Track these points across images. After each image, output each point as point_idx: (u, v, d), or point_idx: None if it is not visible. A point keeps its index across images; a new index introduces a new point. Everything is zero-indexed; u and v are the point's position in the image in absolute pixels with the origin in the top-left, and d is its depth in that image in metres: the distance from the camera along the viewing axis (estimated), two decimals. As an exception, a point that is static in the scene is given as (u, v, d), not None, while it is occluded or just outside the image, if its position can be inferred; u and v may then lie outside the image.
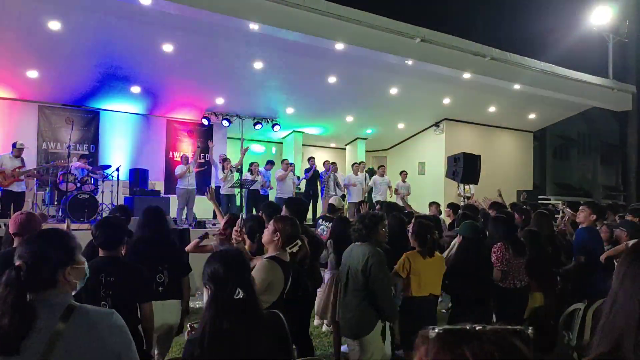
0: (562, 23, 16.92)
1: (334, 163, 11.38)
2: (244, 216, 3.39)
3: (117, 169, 9.74)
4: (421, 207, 9.34)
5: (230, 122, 12.31)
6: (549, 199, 14.46)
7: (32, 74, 9.33)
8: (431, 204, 7.57)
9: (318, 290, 4.18)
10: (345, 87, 11.23)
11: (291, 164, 11.12)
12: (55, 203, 8.92)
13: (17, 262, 1.48)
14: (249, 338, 1.75)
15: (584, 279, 4.18)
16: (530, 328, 0.67)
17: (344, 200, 9.26)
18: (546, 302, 4.35)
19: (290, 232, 2.90)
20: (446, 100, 12.76)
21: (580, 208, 4.95)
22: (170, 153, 12.42)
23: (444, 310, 5.85)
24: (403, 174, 12.10)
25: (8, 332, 1.38)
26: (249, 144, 12.83)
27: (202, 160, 12.05)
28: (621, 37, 14.72)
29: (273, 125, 12.86)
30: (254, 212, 9.32)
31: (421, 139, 15.18)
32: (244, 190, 9.64)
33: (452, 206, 6.86)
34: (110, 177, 9.80)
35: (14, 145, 8.14)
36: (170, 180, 11.74)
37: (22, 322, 1.41)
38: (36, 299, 1.47)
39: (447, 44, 10.09)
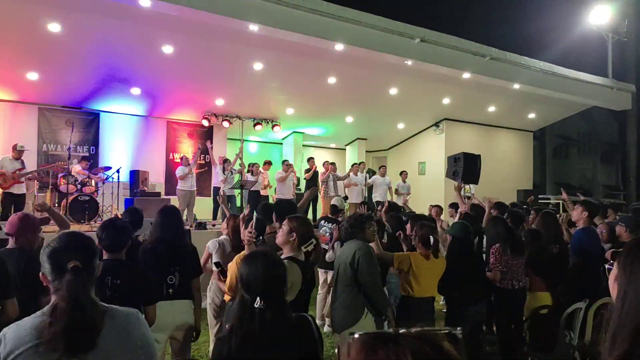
0: (561, 22, 16.96)
1: (332, 163, 11.39)
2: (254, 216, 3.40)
3: (118, 171, 9.75)
4: (421, 207, 9.36)
5: (230, 123, 12.32)
6: (549, 199, 14.47)
7: (32, 75, 9.33)
8: (432, 206, 7.58)
9: (320, 291, 4.20)
10: (345, 87, 11.24)
11: (291, 165, 11.12)
12: (56, 205, 8.92)
13: (72, 264, 1.51)
14: (274, 342, 1.74)
15: (581, 279, 4.18)
16: (459, 329, 0.67)
17: (345, 201, 9.26)
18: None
19: (305, 231, 2.91)
20: (446, 100, 12.78)
21: (575, 207, 4.97)
22: (171, 154, 12.43)
23: (444, 311, 5.85)
24: (403, 174, 12.12)
25: (90, 328, 1.45)
26: (248, 144, 12.85)
27: (203, 162, 12.06)
28: (620, 36, 14.73)
29: (273, 126, 12.88)
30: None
31: (421, 139, 15.19)
32: (244, 191, 9.64)
33: (455, 206, 6.85)
34: (110, 179, 9.81)
35: (14, 147, 8.14)
36: (171, 181, 11.75)
37: (98, 318, 1.49)
38: None
39: (447, 44, 10.10)
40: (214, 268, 3.98)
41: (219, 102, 11.64)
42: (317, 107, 12.50)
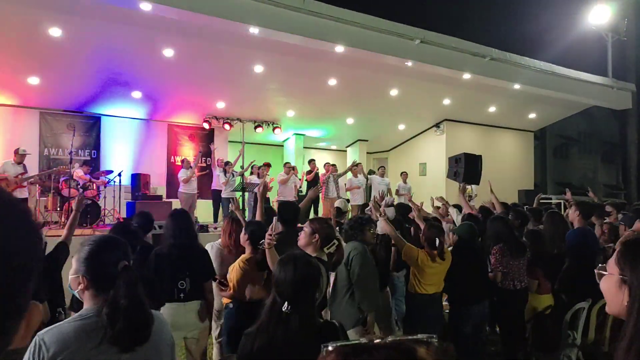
0: (561, 22, 16.97)
1: (333, 165, 11.40)
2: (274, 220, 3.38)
3: (119, 174, 9.76)
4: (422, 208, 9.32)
5: (231, 125, 12.34)
6: (550, 198, 14.46)
7: (34, 80, 9.36)
8: (436, 199, 7.57)
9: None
10: (345, 89, 11.26)
11: (293, 167, 11.12)
12: (58, 209, 8.94)
13: (122, 264, 1.57)
14: (298, 347, 1.73)
15: (578, 280, 4.17)
16: (434, 336, 0.67)
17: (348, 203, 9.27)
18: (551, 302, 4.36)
19: (328, 233, 2.90)
20: (446, 101, 12.78)
21: (570, 207, 4.98)
22: (172, 157, 12.44)
23: (447, 311, 5.85)
24: (404, 175, 12.12)
25: (149, 322, 1.55)
26: (249, 147, 12.86)
27: (204, 164, 12.07)
28: (620, 36, 14.73)
29: (274, 129, 12.89)
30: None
31: (422, 140, 15.20)
32: (246, 193, 9.65)
33: (458, 207, 6.85)
34: (112, 182, 9.83)
35: (16, 151, 8.16)
36: (172, 184, 11.77)
37: (150, 313, 1.59)
38: None
39: (447, 45, 10.12)
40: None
41: (220, 105, 11.66)
42: (318, 109, 12.51)
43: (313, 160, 11.43)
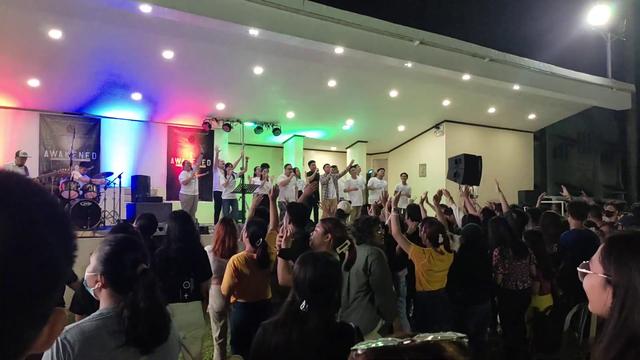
0: (560, 23, 17.00)
1: (334, 166, 11.41)
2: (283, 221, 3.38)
3: (119, 176, 9.76)
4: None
5: (231, 127, 12.35)
6: (550, 199, 14.46)
7: (34, 82, 9.37)
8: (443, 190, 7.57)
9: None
10: (345, 90, 11.27)
11: (294, 168, 11.12)
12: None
13: (141, 267, 1.59)
14: (313, 347, 1.73)
15: (571, 281, 4.17)
16: (464, 336, 0.66)
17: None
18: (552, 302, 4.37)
19: (340, 233, 2.88)
20: (446, 102, 12.80)
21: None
22: (172, 159, 12.45)
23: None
24: (403, 176, 12.12)
25: (168, 324, 1.59)
26: (249, 149, 12.87)
27: (204, 166, 12.07)
28: (619, 36, 14.75)
29: (274, 130, 12.90)
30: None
31: (421, 141, 15.21)
32: (247, 195, 9.65)
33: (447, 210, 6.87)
34: (112, 184, 9.82)
35: (17, 154, 8.17)
36: (172, 186, 11.77)
37: (168, 315, 1.63)
38: None
39: (446, 46, 10.13)
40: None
41: (220, 106, 11.67)
42: (318, 110, 12.52)
43: (313, 161, 11.44)
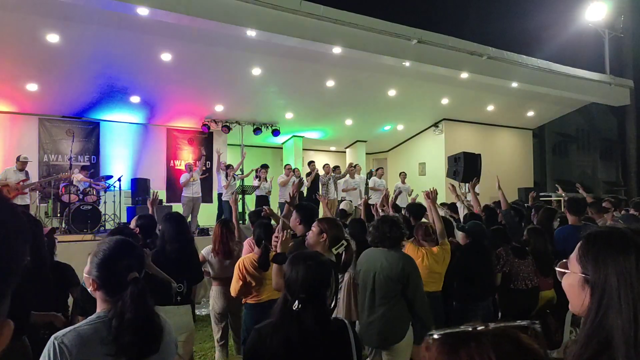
0: (558, 20, 17.01)
1: (336, 166, 11.41)
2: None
3: (119, 179, 9.77)
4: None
5: (230, 129, 12.35)
6: (550, 196, 14.47)
7: (32, 87, 9.37)
8: (442, 204, 7.60)
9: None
10: (343, 90, 11.28)
11: (295, 169, 11.13)
12: (58, 215, 8.95)
13: (132, 275, 1.55)
14: (311, 346, 1.74)
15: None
16: (537, 322, 0.67)
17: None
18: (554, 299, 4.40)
19: (336, 233, 2.83)
20: (444, 101, 12.81)
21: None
22: (172, 162, 12.45)
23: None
24: (402, 175, 12.13)
25: (158, 335, 1.55)
26: (248, 150, 12.88)
27: (204, 168, 12.08)
28: (617, 33, 14.76)
29: (273, 131, 12.91)
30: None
31: (421, 140, 15.21)
32: (247, 196, 9.67)
33: (452, 206, 6.90)
34: (112, 187, 9.83)
35: (17, 158, 8.18)
36: (172, 189, 11.78)
37: (160, 324, 1.59)
38: None
39: (444, 44, 10.14)
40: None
41: (219, 108, 11.68)
42: (317, 110, 12.53)
43: (313, 162, 11.44)
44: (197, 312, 5.69)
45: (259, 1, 7.76)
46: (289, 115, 12.52)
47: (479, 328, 0.65)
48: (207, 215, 10.83)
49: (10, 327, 0.58)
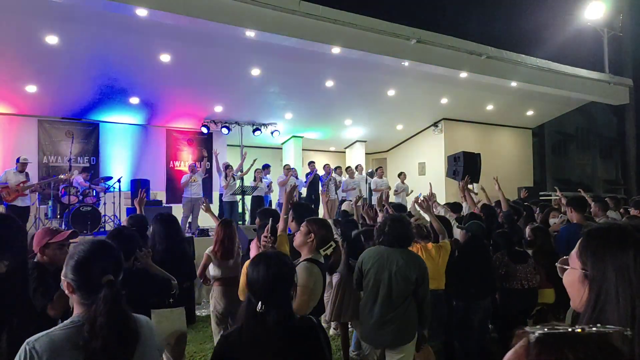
0: (556, 19, 16.99)
1: (338, 167, 11.40)
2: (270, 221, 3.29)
3: (119, 180, 9.76)
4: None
5: (229, 129, 12.35)
6: (550, 195, 14.47)
7: (31, 88, 9.37)
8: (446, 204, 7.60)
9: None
10: (343, 90, 11.28)
11: (292, 169, 11.13)
12: (58, 216, 8.94)
13: (107, 278, 1.50)
14: (279, 347, 1.72)
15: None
16: (628, 329, 0.66)
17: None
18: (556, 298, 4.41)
19: (324, 234, 2.81)
20: (444, 100, 12.81)
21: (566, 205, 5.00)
22: (171, 162, 12.45)
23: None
24: (402, 175, 12.13)
25: (130, 341, 1.49)
26: (248, 150, 12.87)
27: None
28: (616, 31, 14.76)
29: (272, 132, 12.90)
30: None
31: (420, 140, 15.21)
32: (246, 196, 9.66)
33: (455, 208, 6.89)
34: (112, 188, 9.83)
35: (17, 160, 8.19)
36: (172, 189, 11.78)
37: (135, 329, 1.53)
38: None
39: (443, 44, 10.13)
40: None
41: (218, 108, 11.68)
42: (316, 110, 12.53)
43: (312, 162, 11.45)
44: (197, 312, 5.68)
45: (258, 2, 7.76)
46: (288, 115, 12.52)
47: (577, 330, 0.64)
48: (207, 216, 10.78)
49: None
